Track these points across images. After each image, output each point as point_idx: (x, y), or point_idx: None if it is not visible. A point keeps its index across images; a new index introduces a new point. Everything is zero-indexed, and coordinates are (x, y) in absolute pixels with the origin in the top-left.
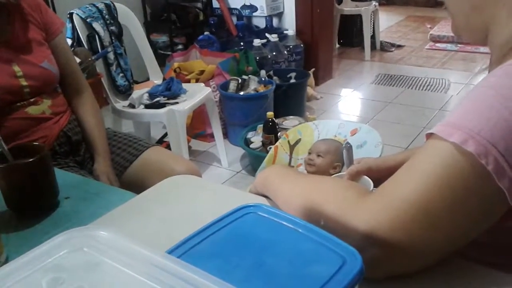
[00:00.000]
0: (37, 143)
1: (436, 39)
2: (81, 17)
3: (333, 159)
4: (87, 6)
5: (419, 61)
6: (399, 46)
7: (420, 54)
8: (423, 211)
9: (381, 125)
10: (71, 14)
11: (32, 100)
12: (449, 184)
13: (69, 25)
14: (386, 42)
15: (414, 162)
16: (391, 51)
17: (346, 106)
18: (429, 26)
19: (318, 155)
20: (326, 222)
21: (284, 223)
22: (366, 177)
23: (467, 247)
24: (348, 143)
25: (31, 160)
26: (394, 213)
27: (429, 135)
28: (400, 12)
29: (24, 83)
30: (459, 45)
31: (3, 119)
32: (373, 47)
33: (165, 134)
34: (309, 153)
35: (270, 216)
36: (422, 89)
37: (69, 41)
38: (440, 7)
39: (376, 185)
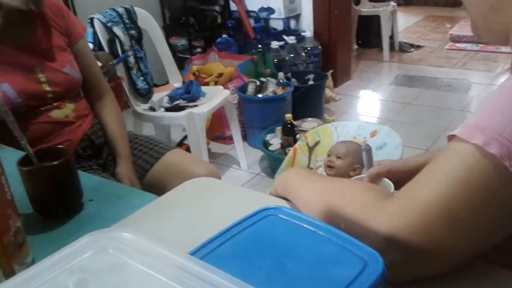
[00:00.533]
0: (61, 146)
1: (456, 39)
2: (101, 21)
3: (353, 161)
4: (108, 10)
5: (438, 61)
6: (418, 47)
7: (439, 55)
8: (445, 213)
9: (401, 127)
10: (91, 19)
11: (55, 104)
12: (472, 186)
13: (90, 30)
14: (404, 42)
15: (436, 164)
16: (410, 51)
17: (365, 108)
18: (448, 26)
19: (338, 157)
20: (347, 225)
21: (305, 225)
22: (386, 179)
23: (491, 252)
24: (367, 145)
25: (56, 163)
26: (416, 216)
27: (451, 137)
28: (419, 12)
29: (47, 88)
30: (479, 45)
31: (28, 123)
32: (391, 47)
33: (185, 137)
34: (328, 155)
35: (290, 219)
36: (442, 90)
37: (90, 46)
38: (459, 6)
39: (397, 187)
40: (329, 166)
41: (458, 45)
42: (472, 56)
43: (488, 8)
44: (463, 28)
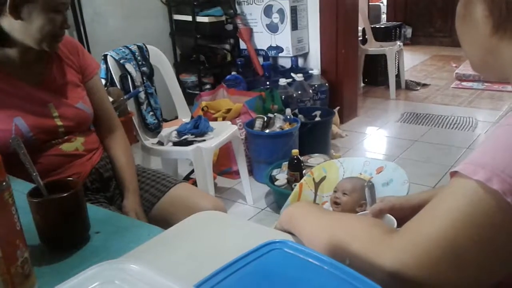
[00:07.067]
0: (71, 178)
1: (462, 78)
2: (114, 58)
3: (359, 197)
4: (121, 48)
5: (445, 99)
6: (425, 85)
7: (446, 93)
8: (449, 249)
9: (407, 163)
10: (105, 56)
11: (66, 138)
12: (475, 222)
13: (103, 66)
14: (411, 81)
15: (439, 200)
16: (417, 89)
17: (371, 144)
18: (454, 65)
19: (344, 193)
20: (352, 260)
21: (310, 260)
22: (389, 215)
23: None
24: (370, 181)
25: (65, 195)
26: (420, 251)
27: (454, 173)
28: (425, 52)
29: (59, 123)
30: (485, 84)
31: (39, 155)
32: (398, 85)
33: (192, 171)
34: (335, 191)
35: (296, 253)
36: (449, 128)
37: (103, 81)
38: None
39: (400, 223)
40: (336, 202)
41: (464, 83)
42: (478, 95)
43: (483, 52)
44: (469, 67)
